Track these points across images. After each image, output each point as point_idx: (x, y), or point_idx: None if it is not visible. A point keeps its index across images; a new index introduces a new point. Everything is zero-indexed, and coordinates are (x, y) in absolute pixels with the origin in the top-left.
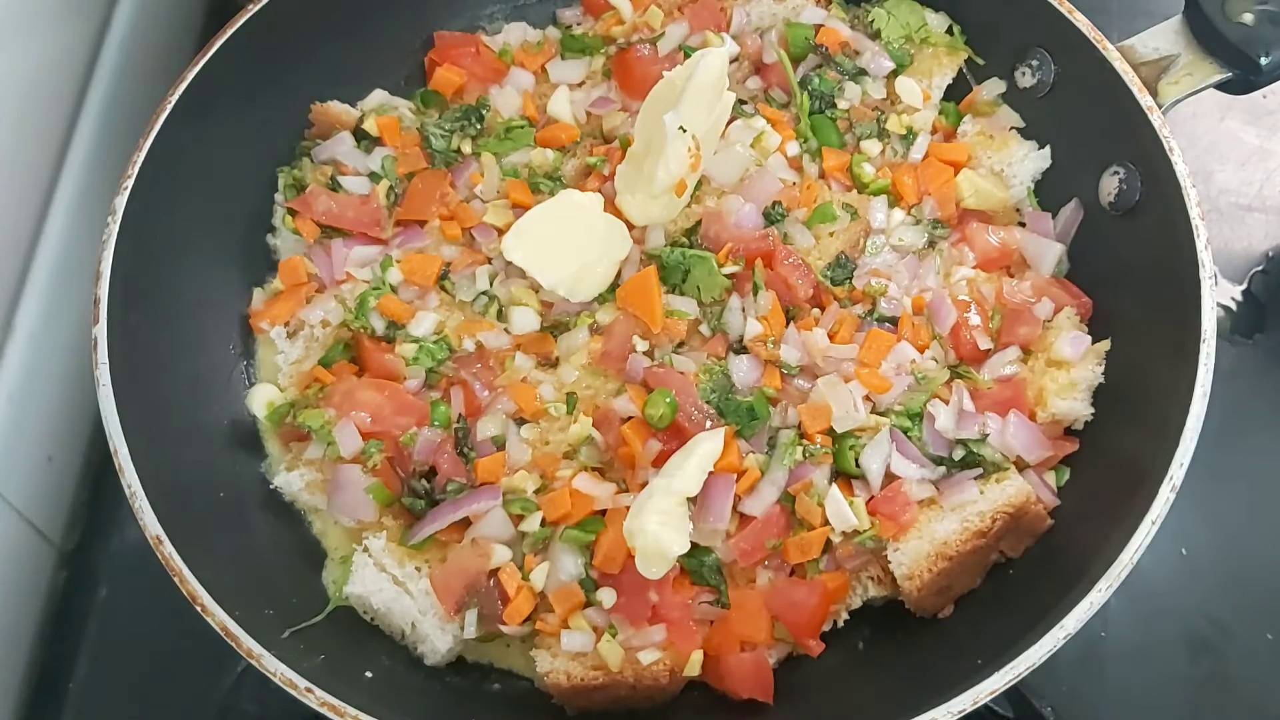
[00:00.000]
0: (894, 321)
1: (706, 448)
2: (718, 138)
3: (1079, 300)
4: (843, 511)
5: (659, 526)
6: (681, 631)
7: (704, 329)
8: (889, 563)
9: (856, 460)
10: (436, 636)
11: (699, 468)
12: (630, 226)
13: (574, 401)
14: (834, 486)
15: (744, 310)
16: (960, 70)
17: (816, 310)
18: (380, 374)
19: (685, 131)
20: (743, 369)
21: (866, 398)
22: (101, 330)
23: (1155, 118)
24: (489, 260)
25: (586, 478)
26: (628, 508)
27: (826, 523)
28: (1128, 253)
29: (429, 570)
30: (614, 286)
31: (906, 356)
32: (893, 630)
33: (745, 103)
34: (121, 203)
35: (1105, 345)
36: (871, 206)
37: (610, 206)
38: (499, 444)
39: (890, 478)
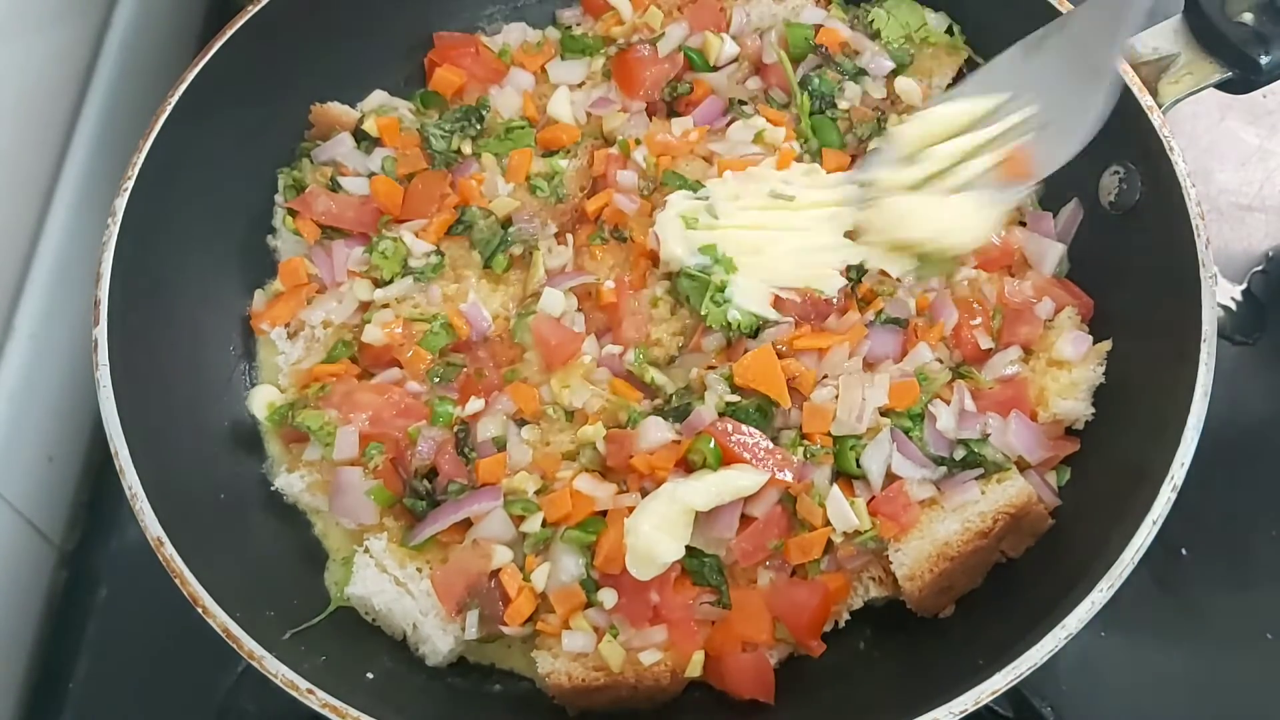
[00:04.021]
0: (897, 322)
1: (738, 481)
2: None
3: (1080, 300)
4: (844, 512)
5: (654, 530)
6: (683, 632)
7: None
8: (890, 563)
9: (857, 460)
10: (438, 637)
11: (717, 492)
12: None
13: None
14: (835, 487)
15: None
16: (960, 70)
17: (833, 318)
18: (384, 363)
19: None
20: None
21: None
22: (102, 331)
23: (1155, 117)
24: None
25: (587, 478)
26: (630, 508)
27: (828, 523)
28: (1128, 253)
29: (430, 571)
30: None
31: (924, 358)
32: (894, 630)
33: (745, 103)
34: (121, 203)
35: (1106, 345)
36: None
37: None
38: (500, 445)
39: (891, 478)
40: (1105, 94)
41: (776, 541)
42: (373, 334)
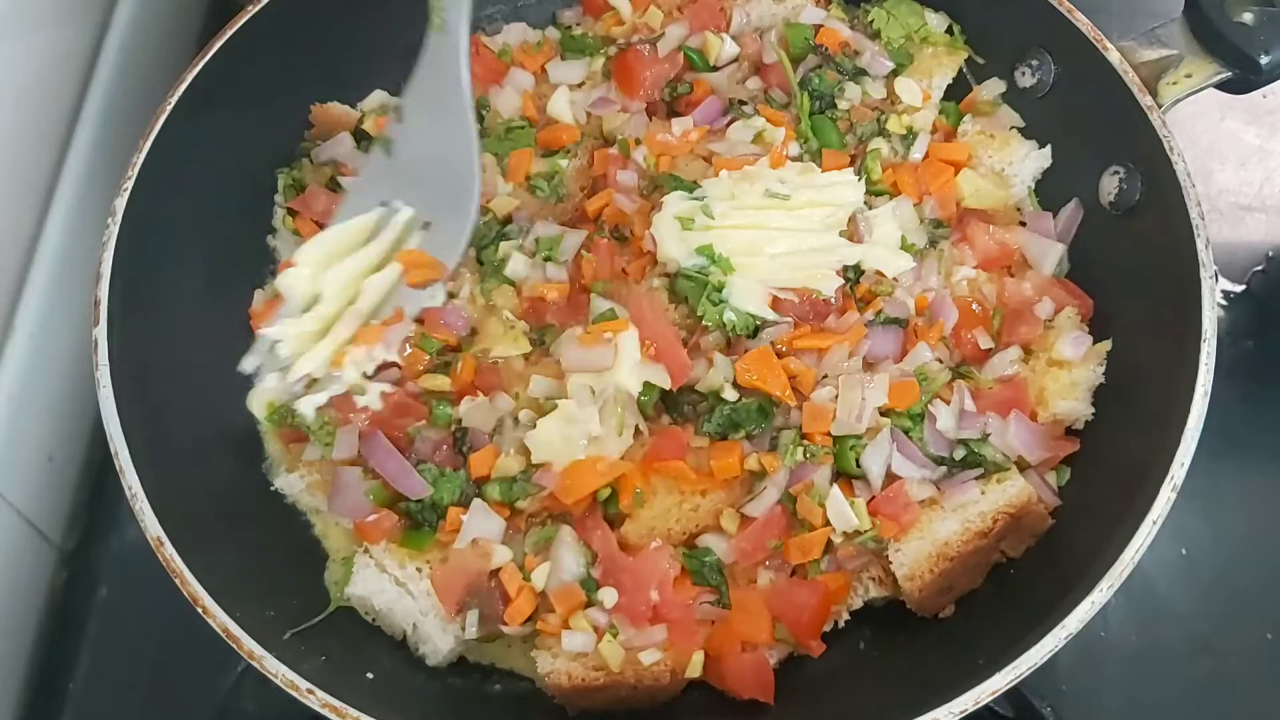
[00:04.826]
0: (897, 322)
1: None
2: None
3: (1080, 300)
4: (844, 512)
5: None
6: (683, 632)
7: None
8: (890, 563)
9: (857, 460)
10: (438, 637)
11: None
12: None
13: None
14: (835, 487)
15: None
16: (960, 70)
17: (832, 318)
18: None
19: None
20: None
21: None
22: (102, 331)
23: (1155, 118)
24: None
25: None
26: None
27: (828, 523)
28: (1128, 253)
29: (430, 571)
30: None
31: (924, 358)
32: (894, 630)
33: (745, 103)
34: (121, 203)
35: (1106, 346)
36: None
37: None
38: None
39: (891, 478)
40: (470, 143)
41: (776, 542)
42: None
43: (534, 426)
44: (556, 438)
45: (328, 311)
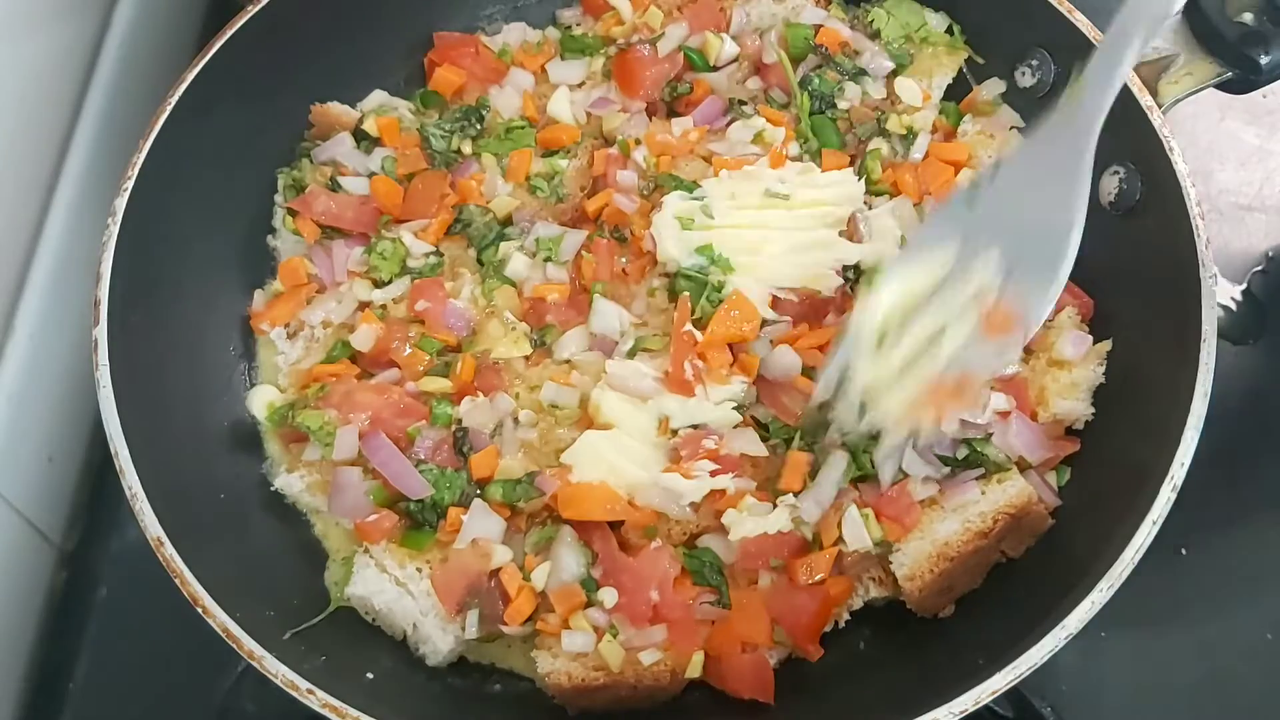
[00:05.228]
0: None
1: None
2: None
3: (1080, 300)
4: (859, 534)
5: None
6: (683, 632)
7: None
8: (890, 563)
9: (871, 461)
10: (438, 637)
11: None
12: None
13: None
14: (853, 507)
15: None
16: (960, 70)
17: (831, 316)
18: (382, 364)
19: None
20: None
21: None
22: (102, 332)
23: (1155, 117)
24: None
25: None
26: None
27: (837, 541)
28: (1128, 253)
29: (430, 571)
30: None
31: None
32: (894, 630)
33: (745, 103)
34: (121, 204)
35: (1106, 346)
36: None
37: None
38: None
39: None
40: (1081, 204)
41: (778, 561)
42: (362, 339)
43: (535, 426)
44: (601, 456)
45: (907, 354)
